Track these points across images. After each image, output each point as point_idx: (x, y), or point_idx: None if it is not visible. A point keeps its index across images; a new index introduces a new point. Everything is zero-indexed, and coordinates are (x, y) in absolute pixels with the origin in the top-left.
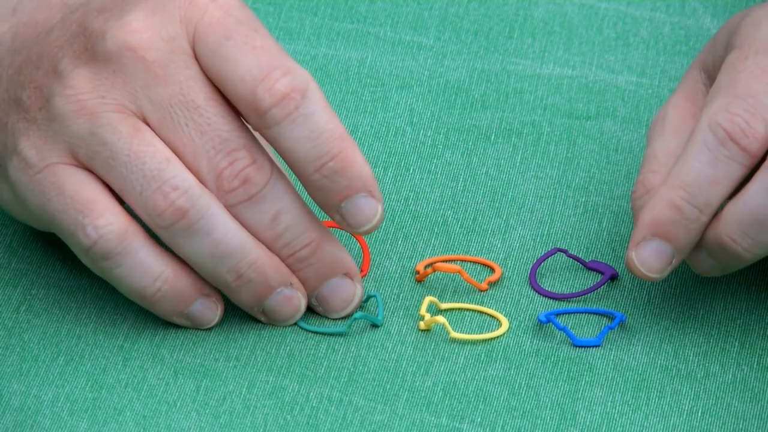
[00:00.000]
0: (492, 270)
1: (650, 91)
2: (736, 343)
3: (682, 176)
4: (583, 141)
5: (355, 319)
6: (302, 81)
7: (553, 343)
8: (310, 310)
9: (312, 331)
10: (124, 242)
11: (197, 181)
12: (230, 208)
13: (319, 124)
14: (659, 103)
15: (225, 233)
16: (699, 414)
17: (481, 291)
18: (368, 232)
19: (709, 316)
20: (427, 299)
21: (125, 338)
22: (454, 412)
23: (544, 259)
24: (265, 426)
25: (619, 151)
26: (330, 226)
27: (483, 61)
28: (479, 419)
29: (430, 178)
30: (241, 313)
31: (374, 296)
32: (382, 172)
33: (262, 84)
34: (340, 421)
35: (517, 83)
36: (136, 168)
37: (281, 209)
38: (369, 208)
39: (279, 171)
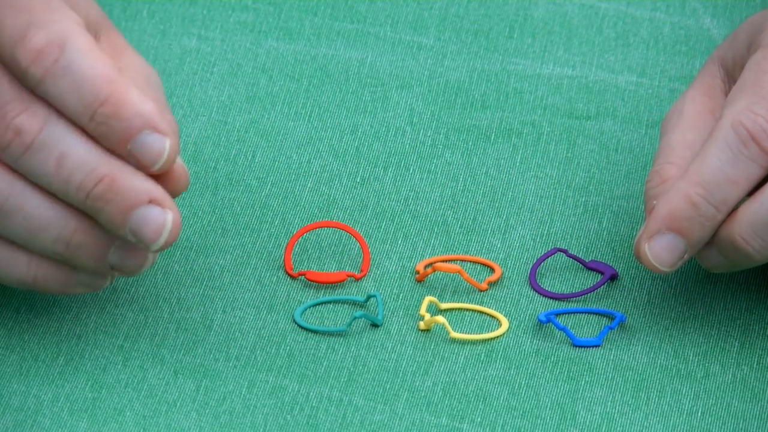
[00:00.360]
0: (492, 270)
1: (650, 91)
2: (736, 343)
3: (701, 173)
4: (583, 141)
5: (355, 318)
6: (59, 32)
7: (553, 343)
8: (311, 312)
9: (312, 331)
10: None
11: None
12: (14, 164)
13: (82, 73)
14: (659, 103)
15: (35, 209)
16: (699, 414)
17: (481, 291)
18: (164, 169)
19: (709, 316)
20: (427, 299)
21: (125, 338)
22: (454, 412)
23: (544, 259)
24: (265, 426)
25: (619, 151)
26: (325, 224)
27: (483, 61)
28: (479, 419)
29: (430, 178)
30: (240, 313)
31: (374, 296)
32: (382, 172)
33: (19, 44)
34: (340, 420)
35: (517, 83)
36: None
37: (63, 152)
38: (156, 144)
39: (56, 116)
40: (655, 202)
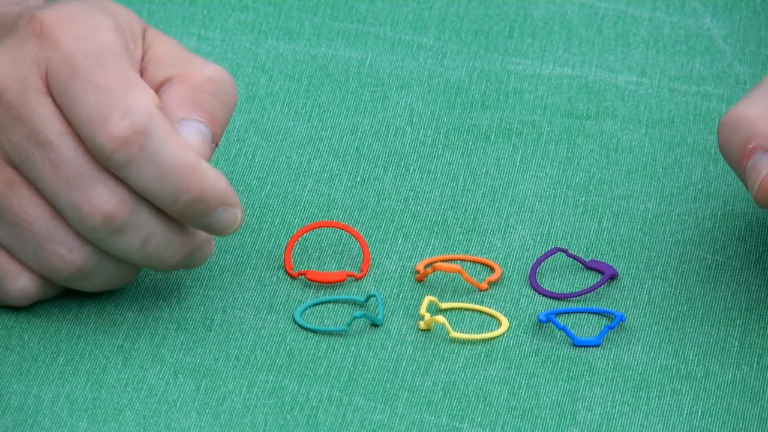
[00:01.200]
0: (492, 270)
1: (650, 90)
2: (736, 343)
3: None
4: (583, 141)
5: (355, 318)
6: (142, 119)
7: (553, 343)
8: (311, 312)
9: (312, 331)
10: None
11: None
12: (97, 242)
13: (167, 162)
14: (659, 102)
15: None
16: (699, 414)
17: (481, 291)
18: (232, 233)
19: (709, 316)
20: (427, 299)
21: (125, 338)
22: (454, 412)
23: (544, 259)
24: (265, 425)
25: (619, 151)
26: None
27: (483, 60)
28: (479, 419)
29: (430, 178)
30: (240, 312)
31: (374, 296)
32: (382, 172)
33: (101, 129)
34: (340, 420)
35: (516, 83)
36: (25, 229)
37: (148, 235)
38: (228, 218)
39: (139, 199)
40: (753, 144)
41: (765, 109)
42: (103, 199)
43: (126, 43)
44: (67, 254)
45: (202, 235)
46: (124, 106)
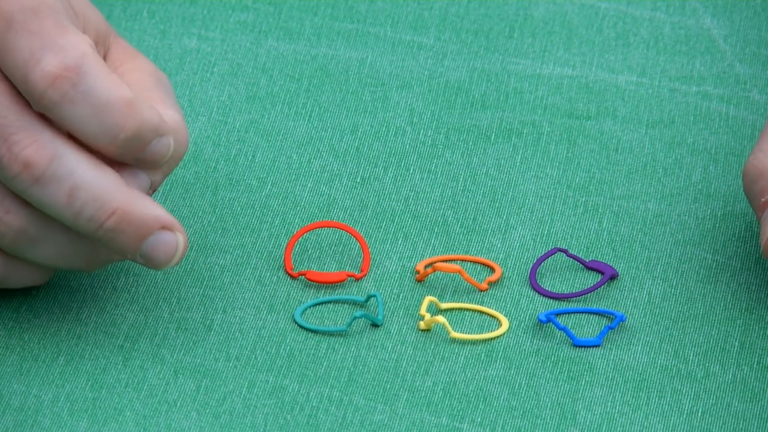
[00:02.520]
0: (492, 270)
1: (650, 90)
2: (737, 343)
3: None
4: (583, 141)
5: (355, 318)
6: (75, 57)
7: (553, 343)
8: (312, 312)
9: (312, 331)
10: None
11: None
12: (23, 196)
13: (101, 98)
14: (659, 102)
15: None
16: (699, 414)
17: (481, 291)
18: (171, 163)
19: (710, 316)
20: (427, 299)
21: (125, 338)
22: (454, 412)
23: (544, 259)
24: (265, 426)
25: (619, 151)
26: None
27: (483, 60)
28: (479, 419)
29: (430, 178)
30: (240, 313)
31: (374, 296)
32: (382, 172)
33: (33, 68)
34: (340, 421)
35: (517, 83)
36: None
37: (74, 185)
38: (161, 148)
39: (66, 145)
40: (765, 198)
41: None
42: (21, 145)
43: (66, 6)
44: (4, 215)
45: (146, 200)
46: (57, 46)
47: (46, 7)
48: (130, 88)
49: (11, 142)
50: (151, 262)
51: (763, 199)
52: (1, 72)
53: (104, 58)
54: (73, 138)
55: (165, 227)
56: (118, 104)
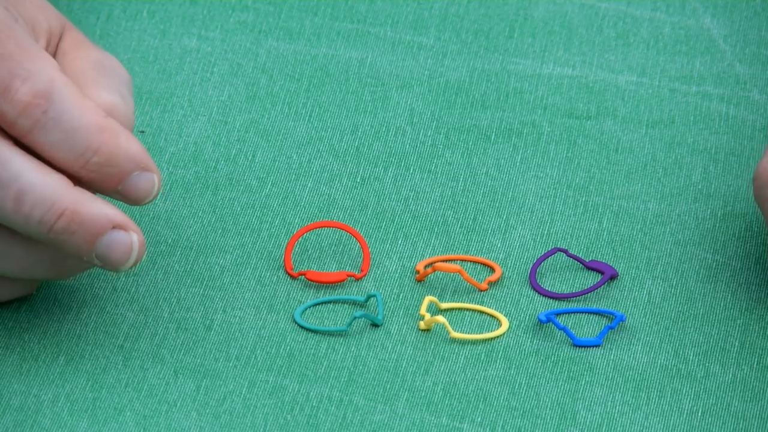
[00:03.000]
0: (492, 270)
1: (650, 90)
2: (737, 343)
3: None
4: (583, 141)
5: (355, 318)
6: (44, 83)
7: (553, 343)
8: (311, 312)
9: (312, 331)
10: None
11: None
12: None
13: (72, 123)
14: (659, 102)
15: None
16: (699, 414)
17: (481, 291)
18: (150, 202)
19: (710, 316)
20: (427, 299)
21: (125, 338)
22: (454, 412)
23: (544, 259)
24: (265, 426)
25: (619, 151)
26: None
27: (483, 60)
28: (479, 419)
29: (430, 178)
30: (240, 313)
31: (374, 296)
32: (382, 172)
33: (3, 96)
34: (340, 420)
35: (517, 83)
36: None
37: (20, 189)
38: (144, 183)
39: (9, 150)
40: None
41: None
42: None
43: (14, 16)
44: None
45: (95, 200)
46: (25, 72)
47: (2, 27)
48: (71, 78)
49: None
50: (109, 263)
51: None
52: None
53: (56, 54)
54: (18, 143)
55: (118, 226)
56: (90, 128)
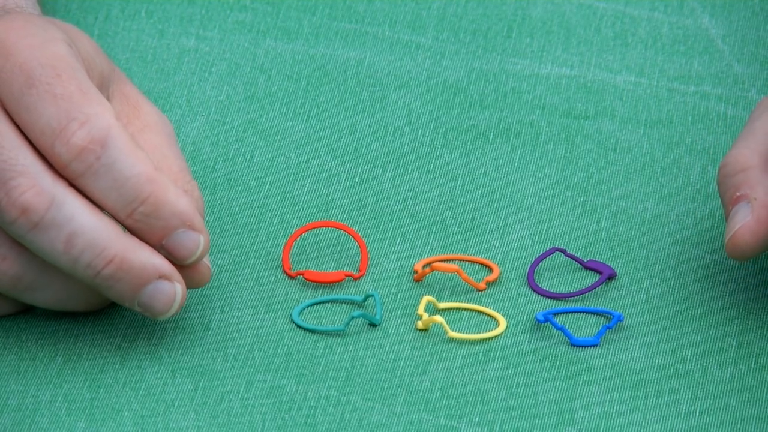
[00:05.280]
0: (490, 269)
1: (648, 90)
2: (734, 343)
3: None
4: (581, 141)
5: (353, 317)
6: (101, 129)
7: (551, 343)
8: (308, 312)
9: (310, 330)
10: None
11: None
12: (19, 239)
13: (123, 172)
14: (657, 102)
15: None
16: (697, 414)
17: (479, 290)
18: (197, 262)
19: (707, 316)
20: (425, 299)
21: (123, 338)
22: (452, 412)
23: (542, 259)
24: (263, 425)
25: (617, 151)
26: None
27: (481, 60)
28: (477, 419)
29: (428, 178)
30: (238, 312)
31: (372, 295)
32: (381, 172)
33: (59, 138)
34: (338, 420)
35: (515, 83)
36: None
37: (72, 232)
38: (190, 242)
39: (65, 191)
40: (740, 193)
41: (758, 158)
42: (20, 190)
43: (77, 55)
44: (0, 262)
45: (144, 249)
46: (83, 116)
47: (65, 65)
48: (147, 154)
49: (10, 187)
50: (149, 311)
51: (738, 193)
52: (7, 115)
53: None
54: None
55: (163, 276)
56: (140, 178)
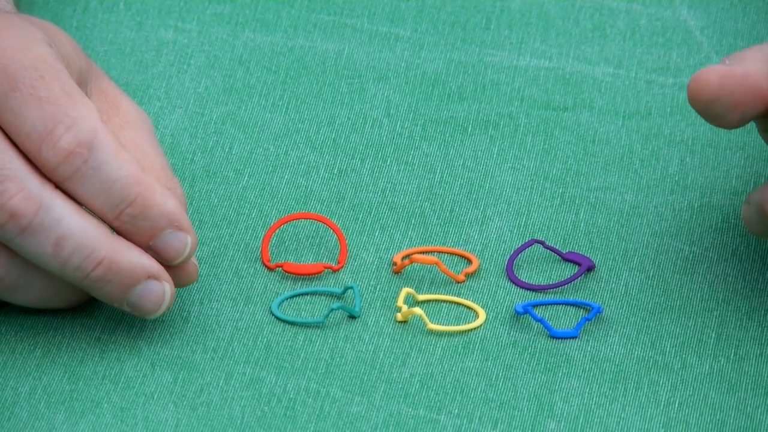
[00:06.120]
0: (469, 261)
1: (627, 82)
2: (713, 335)
3: None
4: (560, 132)
5: (333, 310)
6: (87, 132)
7: (530, 335)
8: (289, 305)
9: (289, 322)
10: None
11: None
12: (8, 243)
13: (111, 174)
14: (636, 94)
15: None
16: (676, 405)
17: (458, 282)
18: (185, 262)
19: (686, 308)
20: (404, 291)
21: (102, 330)
22: (432, 404)
23: (521, 251)
24: (243, 417)
25: (596, 143)
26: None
27: (460, 52)
28: (456, 410)
29: (407, 170)
30: (217, 305)
31: (351, 287)
32: (359, 164)
33: (46, 142)
34: (317, 412)
35: (494, 75)
36: None
37: (61, 235)
38: (177, 242)
39: (53, 195)
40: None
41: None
42: (8, 194)
43: (58, 55)
44: None
45: (133, 250)
46: (69, 119)
47: (48, 66)
48: (132, 151)
49: None
50: (138, 311)
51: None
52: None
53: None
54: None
55: (152, 276)
56: (127, 180)
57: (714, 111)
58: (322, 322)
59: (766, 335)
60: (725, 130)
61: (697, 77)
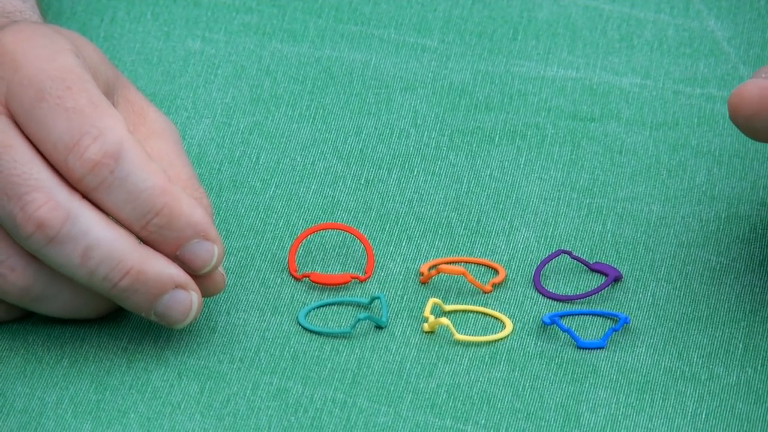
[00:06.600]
0: (496, 272)
1: (654, 93)
2: (741, 345)
3: None
4: (587, 143)
5: (359, 320)
6: (114, 143)
7: (557, 345)
8: (314, 315)
9: (316, 333)
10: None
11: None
12: (35, 254)
13: (137, 185)
14: (663, 105)
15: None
16: (703, 416)
17: (485, 293)
18: (212, 272)
19: (713, 318)
20: (431, 301)
21: (129, 340)
22: (458, 414)
23: (548, 261)
24: (269, 428)
25: (623, 153)
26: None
27: (487, 63)
28: (483, 421)
29: (434, 180)
30: (244, 314)
31: (378, 298)
32: (386, 174)
33: (73, 152)
34: (344, 423)
35: (521, 85)
36: None
37: (88, 245)
38: (204, 252)
39: (80, 205)
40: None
41: None
42: (35, 205)
43: (85, 65)
44: (9, 274)
45: (160, 259)
46: (96, 130)
47: (74, 77)
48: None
49: (25, 202)
50: (166, 320)
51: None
52: (19, 129)
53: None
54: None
55: (179, 286)
56: (154, 191)
57: (756, 125)
58: (349, 332)
59: None
60: (752, 141)
61: (738, 92)
